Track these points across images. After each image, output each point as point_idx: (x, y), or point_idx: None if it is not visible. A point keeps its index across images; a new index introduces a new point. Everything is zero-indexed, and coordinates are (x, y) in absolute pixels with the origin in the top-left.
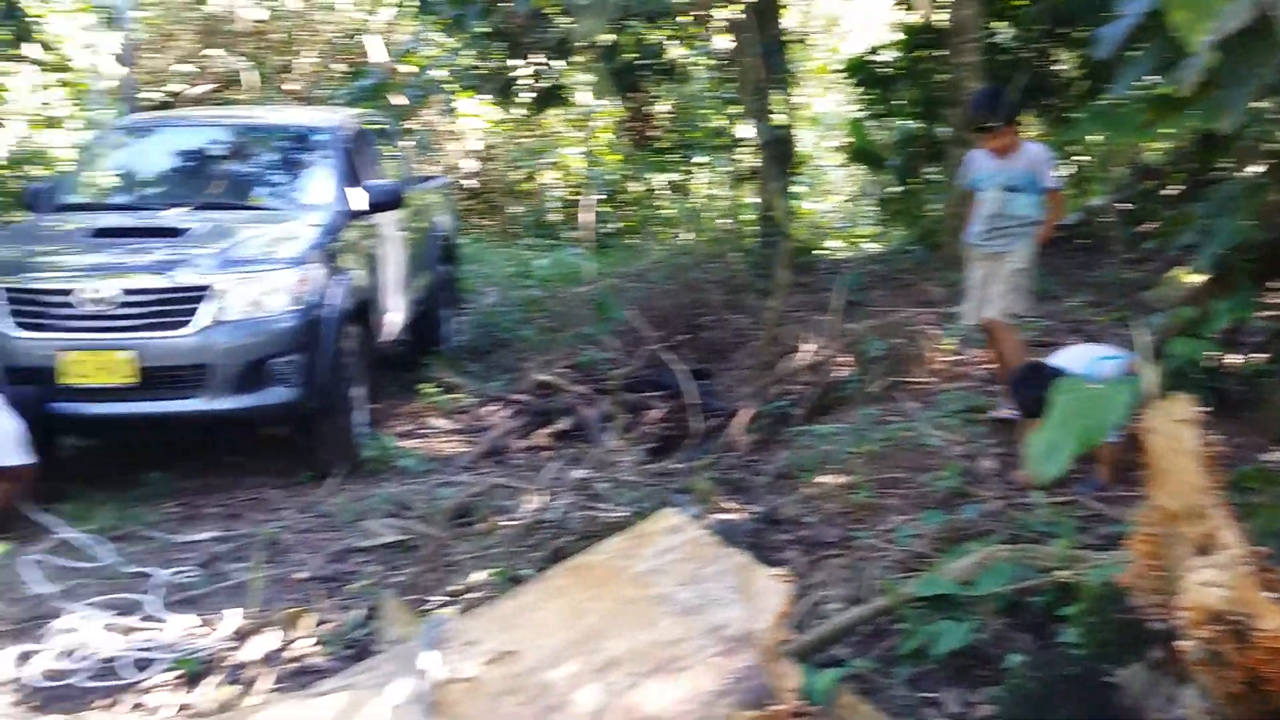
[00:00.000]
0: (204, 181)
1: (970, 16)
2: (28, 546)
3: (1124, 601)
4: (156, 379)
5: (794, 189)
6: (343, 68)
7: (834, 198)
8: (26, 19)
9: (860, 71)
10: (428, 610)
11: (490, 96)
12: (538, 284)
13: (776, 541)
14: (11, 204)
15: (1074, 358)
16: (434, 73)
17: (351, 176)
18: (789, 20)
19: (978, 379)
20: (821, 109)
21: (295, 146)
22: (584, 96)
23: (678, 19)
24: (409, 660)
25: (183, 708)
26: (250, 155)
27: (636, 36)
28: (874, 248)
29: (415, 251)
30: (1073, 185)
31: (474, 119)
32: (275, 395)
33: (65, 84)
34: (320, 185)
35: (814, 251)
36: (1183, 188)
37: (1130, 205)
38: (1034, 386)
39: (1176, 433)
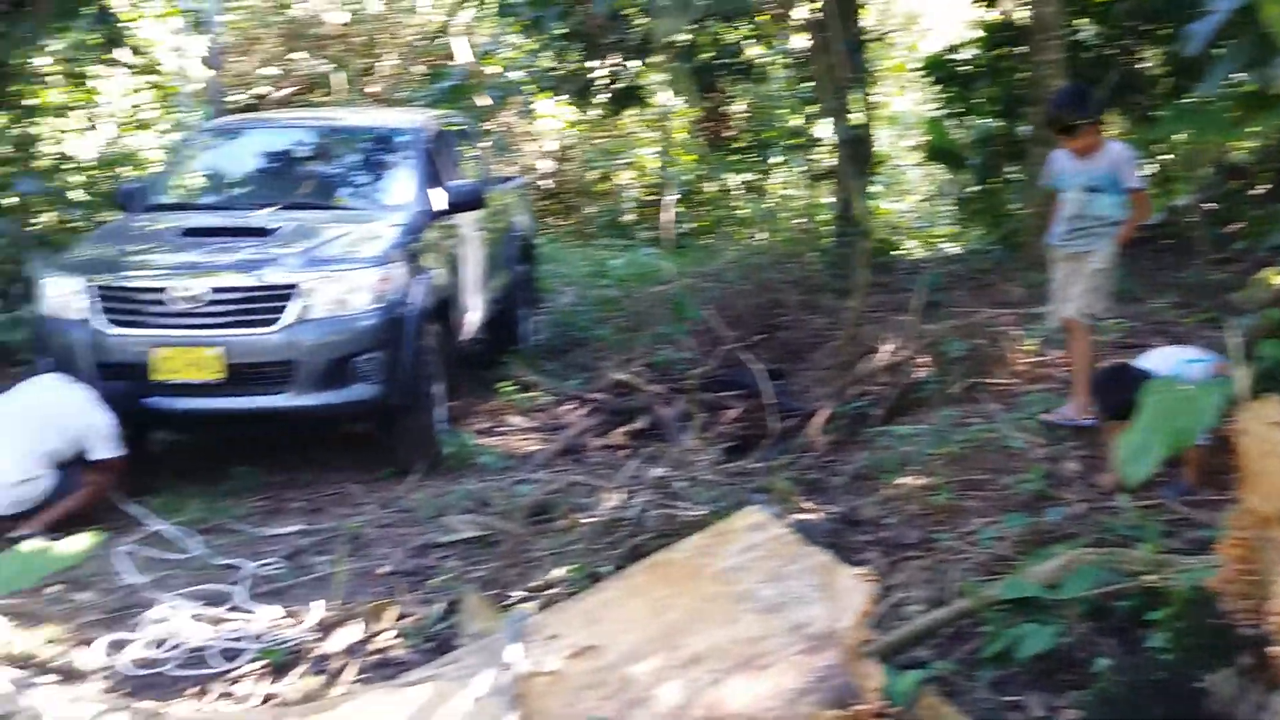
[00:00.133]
0: (289, 182)
1: (1053, 13)
2: (120, 538)
3: (1213, 606)
4: (243, 375)
5: (871, 189)
6: (422, 70)
7: (911, 198)
8: (119, 24)
9: (939, 69)
10: (508, 605)
11: (567, 97)
12: (614, 283)
13: (855, 542)
14: (103, 204)
15: (1160, 360)
16: (512, 74)
17: (433, 177)
18: (867, 18)
19: (1061, 380)
20: (899, 108)
21: (378, 148)
22: (660, 97)
23: (755, 18)
24: (492, 653)
25: (269, 697)
26: (334, 156)
27: (714, 36)
28: (952, 248)
29: (494, 251)
30: (1157, 185)
31: (550, 120)
32: (358, 392)
33: (154, 87)
34: (402, 186)
35: (892, 252)
36: (1270, 187)
37: (1216, 205)
38: (1120, 389)
39: (1269, 435)
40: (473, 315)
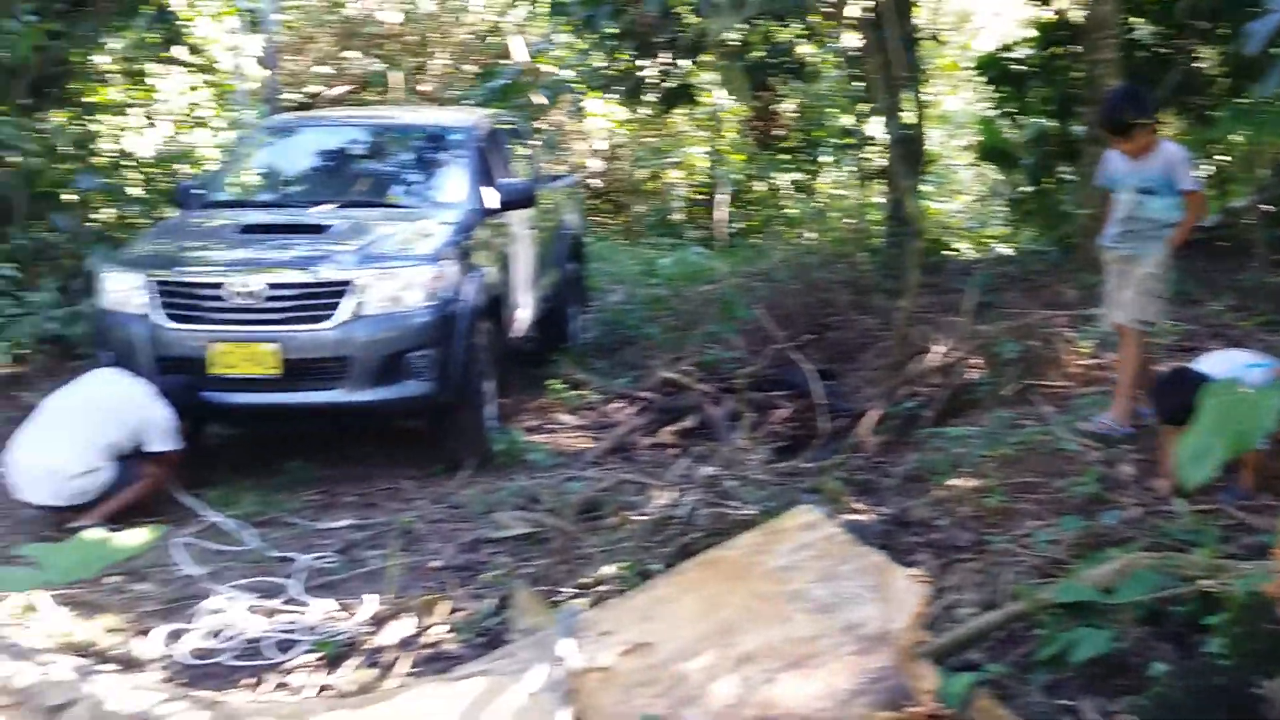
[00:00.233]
0: (344, 180)
1: (1108, 11)
2: (178, 530)
3: (1271, 612)
4: (299, 370)
5: (923, 188)
6: (474, 68)
7: (962, 198)
8: (177, 23)
9: (992, 68)
10: (558, 601)
11: (618, 96)
12: (663, 282)
13: (907, 544)
14: (161, 201)
15: (1218, 363)
16: (563, 73)
17: (485, 175)
18: (920, 17)
19: (1115, 383)
20: (951, 107)
21: (431, 146)
22: (711, 95)
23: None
24: (545, 648)
25: (323, 688)
26: (388, 154)
27: (765, 34)
28: (1004, 249)
29: (544, 249)
30: (1214, 186)
31: (600, 119)
32: (411, 388)
33: (211, 85)
34: (455, 184)
35: (943, 252)
36: None
37: (1274, 207)
38: (1178, 392)
39: None
40: (523, 313)
